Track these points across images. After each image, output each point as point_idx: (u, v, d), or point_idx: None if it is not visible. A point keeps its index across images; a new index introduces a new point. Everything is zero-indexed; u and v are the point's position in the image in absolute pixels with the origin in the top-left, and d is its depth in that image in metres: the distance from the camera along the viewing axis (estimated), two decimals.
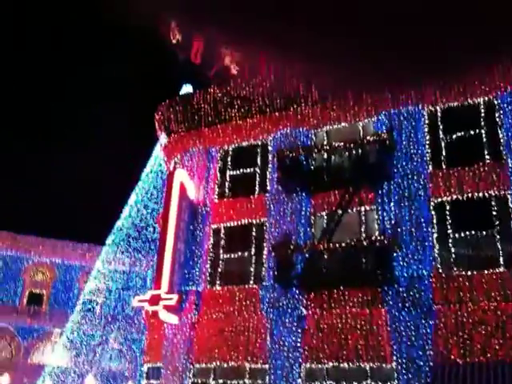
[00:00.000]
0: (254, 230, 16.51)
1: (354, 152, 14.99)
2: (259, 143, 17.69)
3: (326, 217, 15.63)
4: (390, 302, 13.59)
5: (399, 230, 14.28)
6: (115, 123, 74.15)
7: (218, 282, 16.33)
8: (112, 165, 74.45)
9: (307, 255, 14.76)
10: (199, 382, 15.34)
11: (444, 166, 14.80)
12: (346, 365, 13.60)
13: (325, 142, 16.34)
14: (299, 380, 13.98)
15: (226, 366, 15.06)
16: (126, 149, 74.41)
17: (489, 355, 12.32)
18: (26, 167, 71.06)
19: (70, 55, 78.78)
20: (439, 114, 15.53)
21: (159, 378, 15.90)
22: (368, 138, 15.04)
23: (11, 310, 33.67)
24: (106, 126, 75.78)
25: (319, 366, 13.93)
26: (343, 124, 16.51)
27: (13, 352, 32.88)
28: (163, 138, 19.65)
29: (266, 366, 14.47)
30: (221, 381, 15.00)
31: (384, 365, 13.25)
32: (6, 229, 35.34)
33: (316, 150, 15.68)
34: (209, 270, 16.58)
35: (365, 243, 13.91)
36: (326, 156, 15.53)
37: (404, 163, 15.06)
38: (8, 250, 34.60)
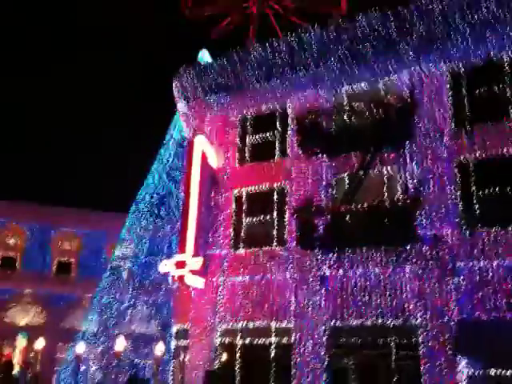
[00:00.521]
0: (276, 193, 16.62)
1: (375, 112, 14.81)
2: (278, 107, 17.58)
3: (347, 178, 15.61)
4: (414, 260, 13.70)
5: (422, 189, 14.23)
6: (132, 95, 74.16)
7: (241, 245, 16.61)
8: (133, 132, 74.74)
9: (329, 217, 14.84)
10: (226, 341, 15.84)
11: (467, 124, 14.53)
12: (369, 322, 13.86)
13: (345, 103, 16.16)
14: (324, 338, 14.32)
15: (251, 325, 15.49)
16: (146, 116, 74.47)
17: None
18: (51, 141, 71.82)
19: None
20: (462, 71, 15.15)
21: (188, 339, 16.46)
22: (389, 97, 14.83)
23: (43, 278, 34.93)
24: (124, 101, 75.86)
25: (343, 324, 14.23)
26: (363, 84, 16.25)
27: (46, 318, 34.31)
28: (182, 105, 19.63)
29: (292, 325, 14.84)
30: (247, 340, 15.48)
31: (408, 322, 13.46)
32: (31, 199, 36.20)
33: (336, 112, 15.54)
34: (232, 234, 16.83)
35: (387, 203, 13.93)
36: (346, 117, 15.39)
37: (426, 122, 14.86)
38: (34, 220, 35.50)
